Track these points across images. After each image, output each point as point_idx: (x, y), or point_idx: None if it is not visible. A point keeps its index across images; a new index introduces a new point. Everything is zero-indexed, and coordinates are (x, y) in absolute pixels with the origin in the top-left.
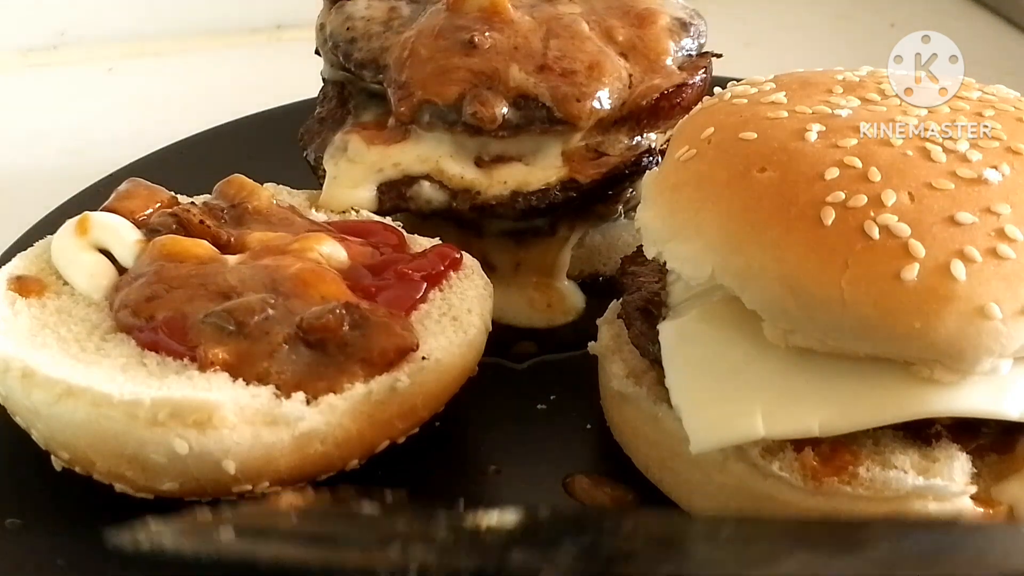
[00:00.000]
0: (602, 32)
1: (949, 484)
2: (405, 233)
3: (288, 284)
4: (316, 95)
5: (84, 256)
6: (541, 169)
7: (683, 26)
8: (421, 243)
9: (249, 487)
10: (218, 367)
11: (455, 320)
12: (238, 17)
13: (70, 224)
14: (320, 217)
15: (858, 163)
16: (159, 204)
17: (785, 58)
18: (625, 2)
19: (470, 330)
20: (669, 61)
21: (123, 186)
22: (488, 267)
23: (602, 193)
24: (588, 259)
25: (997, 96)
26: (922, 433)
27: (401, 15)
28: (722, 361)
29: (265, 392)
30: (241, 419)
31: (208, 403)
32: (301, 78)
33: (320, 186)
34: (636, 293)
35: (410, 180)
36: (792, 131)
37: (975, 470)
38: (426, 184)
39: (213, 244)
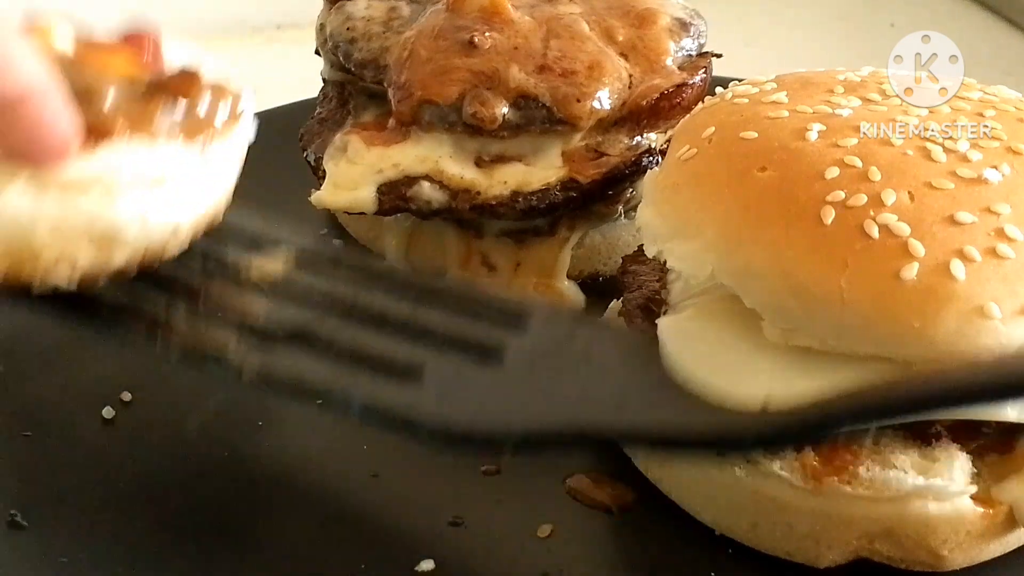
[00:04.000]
0: (602, 32)
1: (949, 484)
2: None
3: None
4: (316, 95)
5: None
6: (541, 169)
7: (683, 26)
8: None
9: None
10: None
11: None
12: (238, 17)
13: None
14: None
15: (858, 162)
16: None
17: (785, 58)
18: (625, 2)
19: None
20: (669, 61)
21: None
22: (488, 267)
23: (602, 193)
24: (588, 259)
25: (998, 96)
26: (922, 433)
27: (401, 15)
28: (721, 360)
29: None
30: None
31: None
32: (301, 78)
33: (320, 187)
34: (637, 292)
35: (410, 180)
36: (793, 130)
37: (975, 470)
38: (426, 184)
39: None
